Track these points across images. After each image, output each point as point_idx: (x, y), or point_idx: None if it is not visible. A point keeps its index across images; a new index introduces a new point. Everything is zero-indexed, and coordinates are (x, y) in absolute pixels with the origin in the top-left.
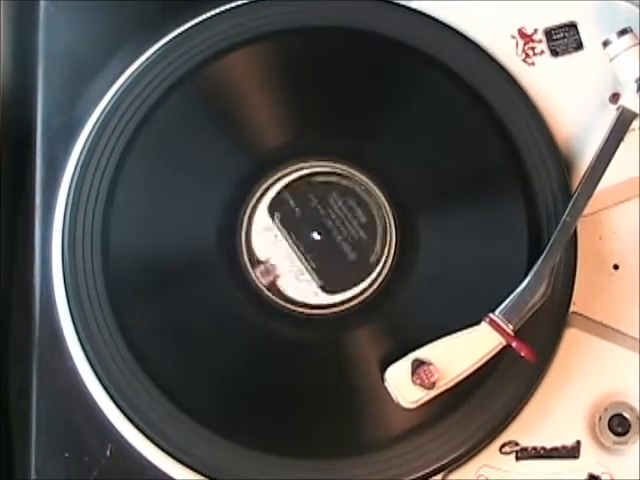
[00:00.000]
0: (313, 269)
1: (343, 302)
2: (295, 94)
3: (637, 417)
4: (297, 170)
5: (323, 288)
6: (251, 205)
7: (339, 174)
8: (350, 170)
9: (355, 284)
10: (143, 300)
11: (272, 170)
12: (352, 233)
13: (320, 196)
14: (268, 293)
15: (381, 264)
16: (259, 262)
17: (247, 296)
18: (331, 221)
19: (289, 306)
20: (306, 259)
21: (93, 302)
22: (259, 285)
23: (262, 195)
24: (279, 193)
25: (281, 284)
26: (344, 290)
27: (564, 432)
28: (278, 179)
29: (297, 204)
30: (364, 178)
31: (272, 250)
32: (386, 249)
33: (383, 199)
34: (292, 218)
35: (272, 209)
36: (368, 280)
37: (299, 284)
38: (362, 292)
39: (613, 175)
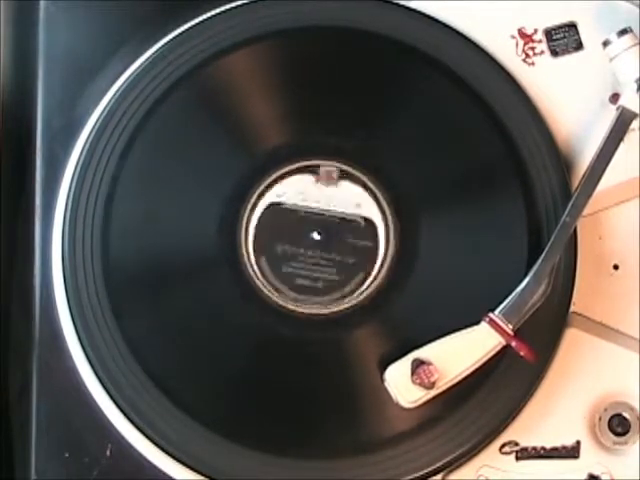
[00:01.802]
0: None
1: (342, 302)
2: (295, 94)
3: (637, 417)
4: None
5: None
6: (251, 205)
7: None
8: (350, 170)
9: (336, 294)
10: (143, 300)
11: (272, 170)
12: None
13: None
14: (268, 294)
15: (381, 264)
16: None
17: (247, 296)
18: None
19: (290, 306)
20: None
21: (93, 302)
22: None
23: (262, 195)
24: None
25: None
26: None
27: (564, 432)
28: (278, 178)
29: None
30: (364, 178)
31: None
32: (386, 249)
33: (383, 199)
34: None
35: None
36: (365, 283)
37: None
38: (362, 292)
39: (613, 175)
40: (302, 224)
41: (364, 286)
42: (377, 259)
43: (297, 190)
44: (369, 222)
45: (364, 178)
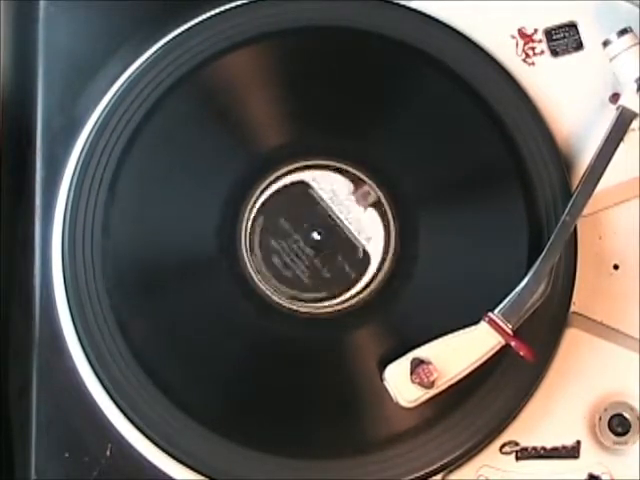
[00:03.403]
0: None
1: (342, 302)
2: (295, 94)
3: (637, 417)
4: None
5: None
6: (250, 204)
7: (359, 184)
8: (350, 170)
9: (336, 294)
10: (143, 300)
11: (272, 170)
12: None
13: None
14: (268, 293)
15: (381, 264)
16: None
17: (247, 296)
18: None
19: (289, 306)
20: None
21: (93, 302)
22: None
23: (261, 195)
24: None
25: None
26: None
27: (564, 432)
28: (278, 178)
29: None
30: (364, 178)
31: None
32: (386, 248)
33: (383, 198)
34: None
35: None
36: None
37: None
38: (362, 291)
39: (613, 175)
40: (309, 218)
41: (364, 286)
42: (377, 259)
43: (330, 187)
44: (367, 255)
45: (364, 178)
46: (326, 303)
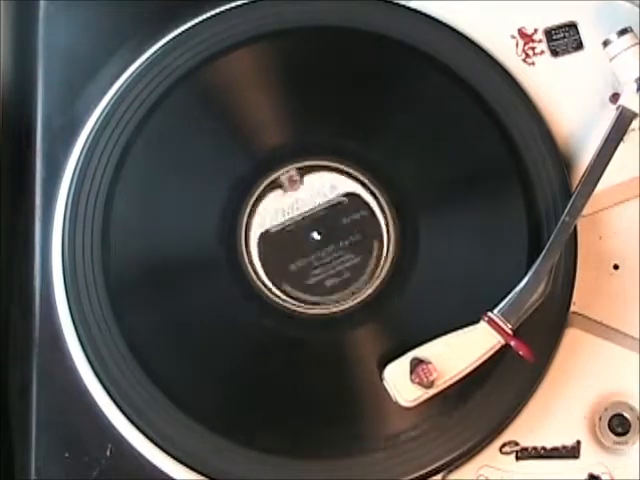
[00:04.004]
0: (301, 266)
1: (342, 302)
2: (295, 94)
3: (637, 417)
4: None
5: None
6: (250, 205)
7: (359, 184)
8: (350, 170)
9: (334, 294)
10: (143, 300)
11: (272, 170)
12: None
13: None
14: (268, 293)
15: (381, 264)
16: None
17: (247, 296)
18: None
19: (289, 306)
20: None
21: (93, 302)
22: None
23: (262, 195)
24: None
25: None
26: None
27: (564, 432)
28: (278, 178)
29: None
30: (364, 178)
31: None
32: (386, 248)
33: (383, 199)
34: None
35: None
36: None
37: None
38: (362, 291)
39: (613, 175)
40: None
41: (364, 286)
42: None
43: (274, 210)
44: (351, 195)
45: (364, 178)
46: (327, 302)
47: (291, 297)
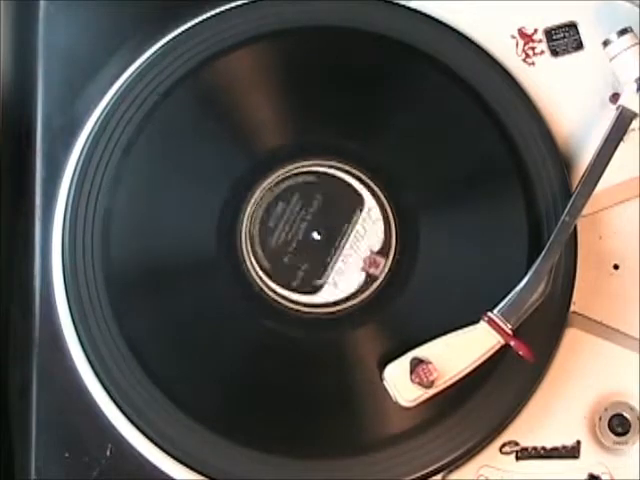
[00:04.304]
0: (301, 265)
1: (342, 302)
2: (295, 94)
3: (637, 417)
4: (302, 167)
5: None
6: (251, 205)
7: (359, 184)
8: (350, 170)
9: (333, 294)
10: (143, 300)
11: (272, 170)
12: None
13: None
14: (269, 293)
15: (381, 264)
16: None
17: (247, 296)
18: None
19: (289, 306)
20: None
21: (93, 302)
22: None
23: (262, 195)
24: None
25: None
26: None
27: (564, 432)
28: (278, 178)
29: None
30: (364, 178)
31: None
32: (387, 248)
33: (383, 199)
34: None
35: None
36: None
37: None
38: (362, 291)
39: (613, 175)
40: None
41: (364, 286)
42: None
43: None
44: (351, 196)
45: (364, 178)
46: (327, 302)
47: (291, 297)
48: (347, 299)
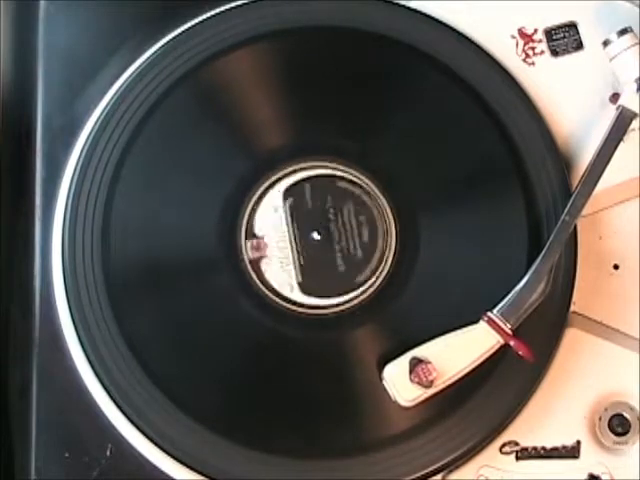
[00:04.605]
0: (300, 265)
1: (342, 302)
2: (295, 94)
3: (637, 417)
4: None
5: (300, 285)
6: (251, 205)
7: (359, 185)
8: (351, 170)
9: (333, 294)
10: (143, 300)
11: (272, 170)
12: (351, 243)
13: (336, 200)
14: (267, 292)
15: (381, 264)
16: (254, 236)
17: (247, 296)
18: (336, 228)
19: (289, 306)
20: (298, 252)
21: (93, 302)
22: (244, 257)
23: (262, 195)
24: (299, 182)
25: (263, 265)
26: (320, 296)
27: (564, 432)
28: (279, 179)
29: (312, 199)
30: (364, 178)
31: (270, 230)
32: (386, 248)
33: (383, 199)
34: (302, 209)
35: (287, 194)
36: (350, 294)
37: (281, 272)
38: (362, 291)
39: (613, 175)
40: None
41: (364, 286)
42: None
43: (274, 210)
44: (351, 196)
45: (364, 178)
46: (326, 303)
47: (291, 297)
48: (347, 299)
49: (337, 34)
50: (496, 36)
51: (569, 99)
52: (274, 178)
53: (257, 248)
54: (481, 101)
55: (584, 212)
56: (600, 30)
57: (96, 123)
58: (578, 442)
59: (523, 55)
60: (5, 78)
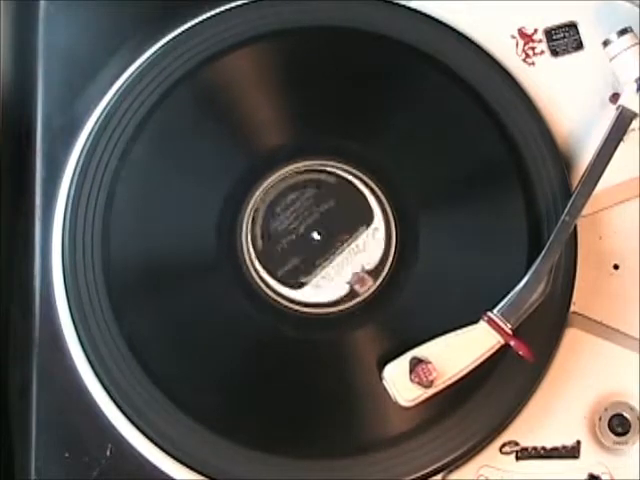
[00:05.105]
0: (300, 265)
1: (342, 302)
2: (295, 94)
3: (637, 417)
4: (302, 167)
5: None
6: (251, 205)
7: (359, 185)
8: (350, 170)
9: (333, 294)
10: (143, 300)
11: (272, 170)
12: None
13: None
14: (267, 291)
15: (381, 264)
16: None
17: (247, 296)
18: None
19: (289, 305)
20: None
21: (93, 302)
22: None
23: (262, 195)
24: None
25: None
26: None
27: (564, 432)
28: (279, 178)
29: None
30: (364, 178)
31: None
32: (387, 248)
33: (383, 199)
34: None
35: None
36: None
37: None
38: (362, 291)
39: (613, 175)
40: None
41: (344, 299)
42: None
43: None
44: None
45: (364, 178)
46: (326, 303)
47: (291, 297)
48: (347, 299)
49: (337, 34)
50: (496, 36)
51: (569, 99)
52: (274, 178)
53: (362, 283)
54: (481, 101)
55: (584, 212)
56: (600, 30)
57: (96, 123)
58: (578, 442)
59: (523, 55)
60: (5, 78)
